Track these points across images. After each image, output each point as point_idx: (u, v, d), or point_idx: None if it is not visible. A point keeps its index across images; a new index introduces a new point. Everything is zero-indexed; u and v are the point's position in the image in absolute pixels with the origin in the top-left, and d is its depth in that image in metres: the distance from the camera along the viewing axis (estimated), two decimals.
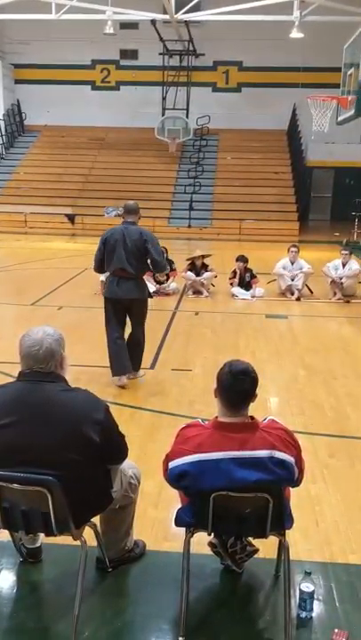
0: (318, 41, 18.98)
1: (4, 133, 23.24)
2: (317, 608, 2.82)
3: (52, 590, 3.00)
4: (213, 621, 2.78)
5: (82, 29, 20.30)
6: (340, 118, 15.28)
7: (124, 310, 5.67)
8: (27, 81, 24.01)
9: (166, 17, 16.94)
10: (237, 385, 2.55)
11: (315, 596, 2.80)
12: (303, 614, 2.76)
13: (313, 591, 2.78)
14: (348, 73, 14.41)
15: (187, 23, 19.06)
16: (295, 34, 16.15)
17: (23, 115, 24.33)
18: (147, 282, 9.22)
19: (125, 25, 21.31)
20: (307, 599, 2.76)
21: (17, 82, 24.34)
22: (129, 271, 5.46)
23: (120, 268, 5.46)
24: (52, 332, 2.62)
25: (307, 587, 2.77)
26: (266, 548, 3.03)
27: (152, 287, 9.65)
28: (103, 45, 22.08)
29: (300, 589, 2.78)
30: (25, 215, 19.70)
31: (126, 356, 5.65)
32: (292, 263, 9.95)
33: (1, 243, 16.92)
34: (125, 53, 23.73)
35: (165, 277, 9.82)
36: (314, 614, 2.78)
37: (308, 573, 2.83)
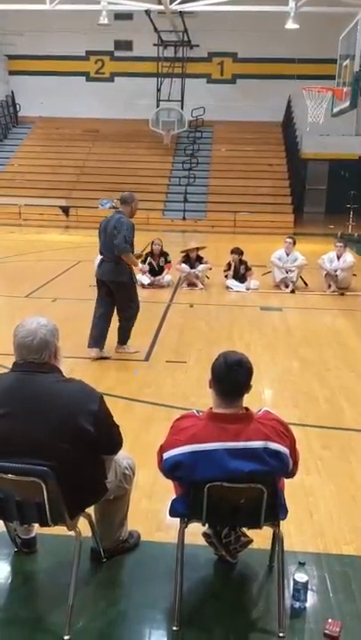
0: (314, 32, 18.91)
1: None
2: (311, 598, 2.83)
3: (47, 581, 3.00)
4: (207, 612, 2.79)
5: (76, 20, 20.17)
6: (335, 110, 15.23)
7: (108, 291, 6.19)
8: (21, 72, 23.85)
9: (161, 7, 16.86)
10: (232, 376, 2.55)
11: (308, 587, 2.82)
12: (297, 604, 2.77)
13: (307, 581, 2.79)
14: (344, 64, 14.35)
15: (181, 14, 18.95)
16: (290, 25, 16.07)
17: (17, 106, 24.18)
18: (141, 274, 9.40)
19: (120, 16, 21.14)
20: (301, 589, 2.77)
21: (11, 73, 24.18)
22: (106, 254, 6.09)
23: (101, 250, 6.17)
24: (45, 322, 2.61)
25: (301, 577, 2.78)
26: (260, 538, 3.04)
27: (146, 279, 9.66)
28: (97, 36, 21.94)
29: (293, 580, 2.79)
30: (19, 207, 19.60)
31: (99, 333, 6.22)
32: (288, 254, 9.94)
33: None
34: (120, 44, 23.57)
35: (156, 265, 9.85)
36: (308, 604, 2.79)
37: (301, 564, 2.84)
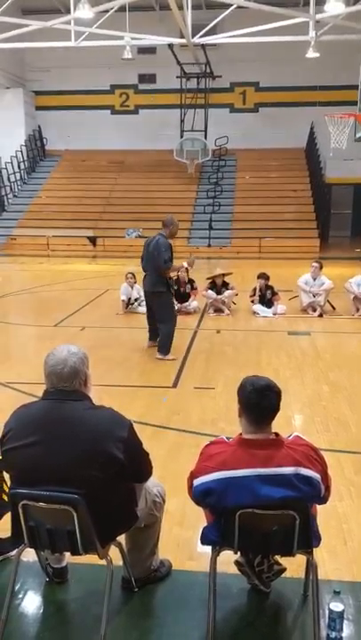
0: (334, 59, 19.14)
1: (25, 159, 23.73)
2: (347, 628, 2.76)
3: (78, 610, 2.98)
4: None
5: (100, 55, 20.74)
6: (358, 135, 15.31)
7: (150, 300, 7.39)
8: (47, 107, 24.54)
9: (183, 41, 17.23)
10: (262, 401, 2.54)
11: (344, 616, 2.74)
12: (333, 634, 2.70)
13: (343, 611, 2.72)
14: None
15: (203, 46, 19.37)
16: (311, 54, 16.28)
17: (44, 140, 24.82)
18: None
19: (143, 50, 21.73)
20: (336, 619, 2.70)
21: (38, 108, 24.91)
22: (147, 269, 7.22)
23: (143, 266, 7.30)
24: (75, 350, 2.64)
25: (336, 606, 2.71)
26: (294, 567, 2.99)
27: None
28: (122, 70, 22.52)
29: (329, 609, 2.72)
30: (47, 238, 19.99)
31: (151, 329, 7.57)
32: (314, 279, 9.91)
33: (24, 265, 17.17)
34: (144, 77, 24.15)
35: (186, 285, 9.98)
36: (344, 634, 2.72)
37: (337, 593, 2.77)
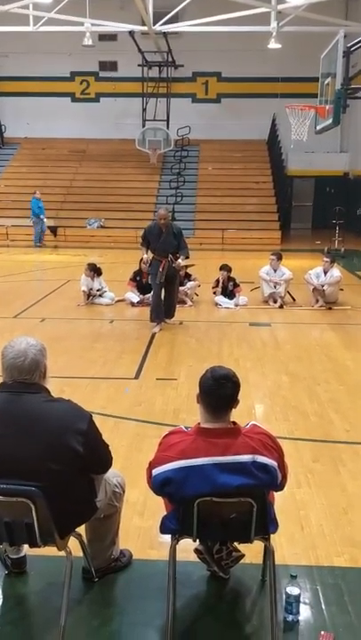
0: (296, 51, 19.25)
1: None
2: (304, 611, 2.84)
3: (38, 602, 2.98)
4: (201, 628, 2.79)
5: (60, 41, 20.39)
6: (318, 127, 15.42)
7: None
8: (6, 93, 24.00)
9: (144, 28, 17.08)
10: (220, 390, 2.58)
11: (301, 600, 2.82)
12: (290, 618, 2.77)
13: (299, 594, 2.80)
14: (326, 82, 14.57)
15: (165, 35, 19.23)
16: (273, 44, 16.36)
17: (3, 127, 24.30)
18: (130, 292, 9.75)
19: (104, 37, 21.45)
20: (293, 602, 2.77)
21: None
22: (166, 252, 8.18)
23: (157, 249, 8.21)
24: (34, 342, 2.63)
25: (292, 590, 2.79)
26: (252, 553, 3.05)
27: (135, 297, 9.69)
28: (82, 57, 22.18)
29: (286, 593, 2.79)
30: (6, 228, 19.61)
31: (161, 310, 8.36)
32: (275, 270, 10.01)
33: None
34: (105, 65, 23.83)
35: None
36: (300, 617, 2.79)
37: (293, 577, 2.84)
